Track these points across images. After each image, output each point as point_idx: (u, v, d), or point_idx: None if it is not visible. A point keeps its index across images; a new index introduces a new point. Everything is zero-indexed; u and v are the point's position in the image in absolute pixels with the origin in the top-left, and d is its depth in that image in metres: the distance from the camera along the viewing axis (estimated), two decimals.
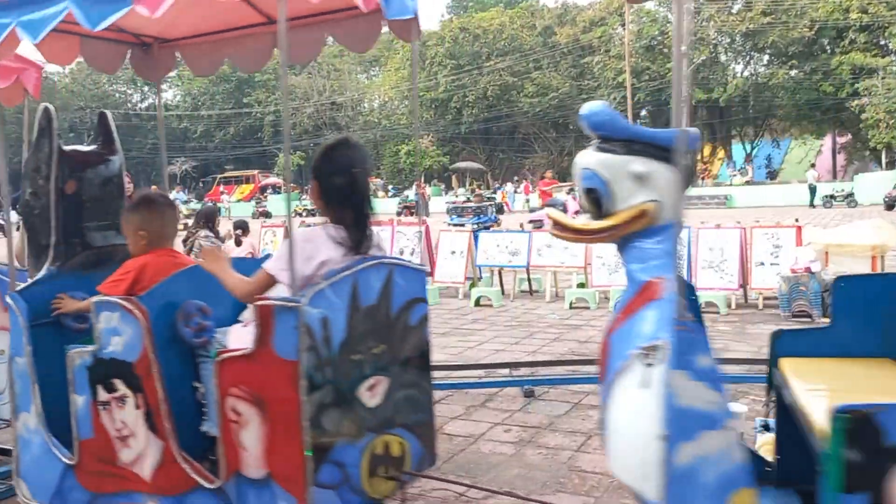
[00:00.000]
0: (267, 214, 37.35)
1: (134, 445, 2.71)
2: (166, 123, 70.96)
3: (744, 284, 8.17)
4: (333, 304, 2.45)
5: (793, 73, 41.46)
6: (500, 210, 30.15)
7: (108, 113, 3.54)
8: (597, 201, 2.13)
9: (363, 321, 2.58)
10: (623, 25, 45.39)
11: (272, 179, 58.43)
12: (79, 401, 2.80)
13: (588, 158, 2.14)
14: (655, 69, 45.96)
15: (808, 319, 7.14)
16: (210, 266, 2.68)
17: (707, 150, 52.28)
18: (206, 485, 2.54)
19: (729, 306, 7.91)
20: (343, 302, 2.49)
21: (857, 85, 36.21)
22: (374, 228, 2.75)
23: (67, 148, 3.26)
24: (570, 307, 8.34)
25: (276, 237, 11.59)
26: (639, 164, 2.08)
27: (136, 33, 3.59)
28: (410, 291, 2.81)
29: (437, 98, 54.93)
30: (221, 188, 54.65)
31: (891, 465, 1.65)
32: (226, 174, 62.90)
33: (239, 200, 49.35)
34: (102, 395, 2.75)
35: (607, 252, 8.60)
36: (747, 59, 47.63)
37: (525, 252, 9.16)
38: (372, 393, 2.64)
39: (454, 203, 25.69)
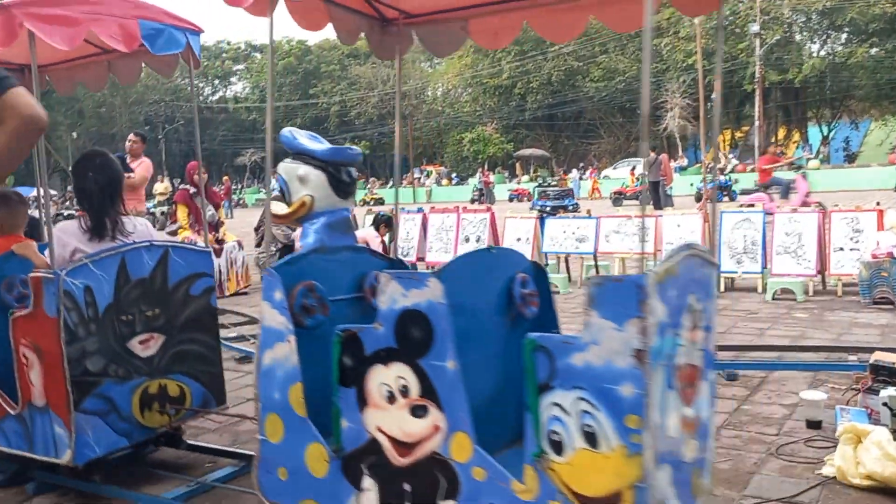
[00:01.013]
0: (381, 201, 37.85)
1: None
2: (236, 115, 73.05)
3: (822, 270, 7.90)
4: (98, 277, 3.22)
5: (873, 51, 39.63)
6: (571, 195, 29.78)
7: None
8: (283, 195, 3.05)
9: (133, 290, 3.37)
10: None
11: None
12: None
13: (279, 166, 3.08)
14: (727, 50, 44.56)
15: (890, 306, 6.85)
16: (23, 251, 3.52)
17: (781, 133, 50.60)
18: (11, 411, 3.34)
19: (806, 293, 7.65)
20: (110, 275, 3.26)
21: None
22: (139, 219, 3.59)
23: None
24: None
25: None
26: (301, 170, 2.99)
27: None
28: (191, 268, 3.56)
29: (501, 85, 54.60)
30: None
31: (368, 368, 2.34)
32: None
33: None
34: None
35: (678, 238, 8.43)
36: (824, 37, 45.73)
37: (592, 238, 9.04)
38: (145, 346, 3.43)
39: (539, 188, 25.80)
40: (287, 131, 3.12)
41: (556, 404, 2.04)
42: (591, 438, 1.99)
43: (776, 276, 7.81)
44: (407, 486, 2.31)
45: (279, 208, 3.04)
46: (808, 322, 6.48)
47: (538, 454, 2.05)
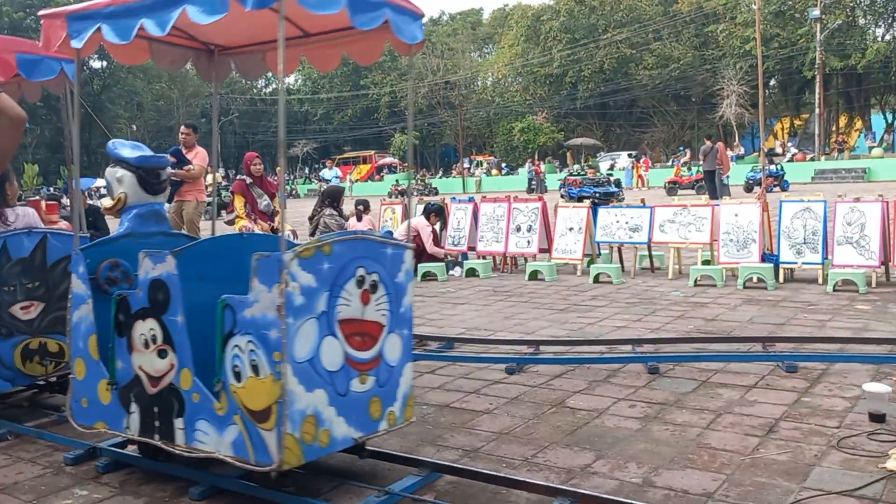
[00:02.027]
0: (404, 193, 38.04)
1: None
2: (289, 106, 73.84)
3: (885, 262, 7.67)
4: None
5: None
6: (618, 185, 29.51)
7: None
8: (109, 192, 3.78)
9: (15, 266, 4.25)
10: None
11: (388, 160, 59.52)
12: None
13: (106, 170, 3.80)
14: (786, 36, 43.37)
15: None
16: None
17: (843, 121, 49.05)
18: None
19: (869, 284, 7.44)
20: None
21: None
22: (23, 209, 4.51)
23: None
24: (695, 284, 8.09)
25: (395, 214, 11.85)
26: (118, 173, 3.70)
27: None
28: (67, 249, 4.12)
29: (552, 73, 54.08)
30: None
31: (133, 322, 3.20)
32: (344, 155, 64.55)
33: (356, 180, 50.54)
34: None
35: (735, 228, 8.27)
36: (889, 21, 44.07)
37: (646, 228, 8.93)
38: (25, 311, 4.31)
39: (567, 180, 25.70)
40: (111, 143, 3.85)
41: (237, 346, 2.88)
42: (255, 369, 2.83)
43: (837, 267, 7.61)
44: (156, 408, 3.19)
45: (107, 202, 3.81)
46: (870, 314, 6.31)
47: (226, 382, 2.91)
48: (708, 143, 21.61)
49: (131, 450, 3.52)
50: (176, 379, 3.09)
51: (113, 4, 3.24)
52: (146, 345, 3.18)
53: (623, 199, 19.42)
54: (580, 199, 15.02)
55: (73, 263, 3.46)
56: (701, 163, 22.96)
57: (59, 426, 4.11)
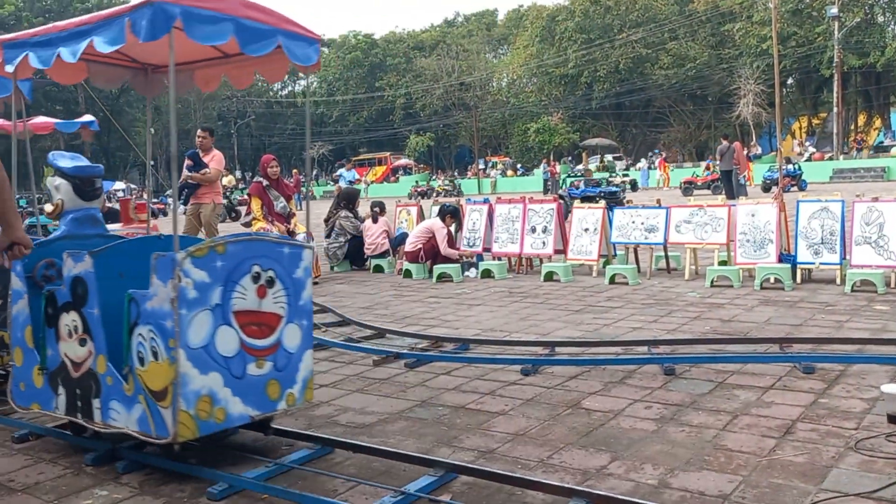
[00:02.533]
0: (425, 194, 38.19)
1: None
2: (304, 109, 74.25)
3: None
4: None
5: None
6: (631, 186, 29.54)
7: None
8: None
9: None
10: None
11: (403, 161, 59.61)
12: None
13: (47, 179, 4.19)
14: (803, 34, 43.00)
15: None
16: None
17: (861, 119, 48.56)
18: None
19: (888, 285, 7.37)
20: None
21: None
22: None
23: None
24: (712, 285, 8.05)
25: (411, 216, 11.88)
26: (56, 182, 4.13)
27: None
28: None
29: (567, 74, 53.96)
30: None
31: (60, 314, 3.64)
32: (360, 157, 64.71)
33: (372, 182, 50.66)
34: None
35: (752, 228, 8.22)
36: None
37: (662, 229, 8.90)
38: None
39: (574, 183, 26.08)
40: (52, 154, 4.23)
41: (140, 334, 3.31)
42: (155, 355, 3.25)
43: (855, 268, 7.55)
44: (78, 390, 3.61)
45: (48, 208, 4.27)
46: (889, 315, 6.25)
47: (132, 366, 3.34)
48: (725, 142, 21.50)
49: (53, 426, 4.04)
50: (93, 364, 3.54)
51: (37, 35, 3.88)
52: (70, 334, 3.64)
53: (625, 199, 19.39)
54: (583, 200, 15.12)
55: (14, 265, 3.80)
56: (717, 162, 22.85)
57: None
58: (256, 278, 3.48)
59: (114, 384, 3.44)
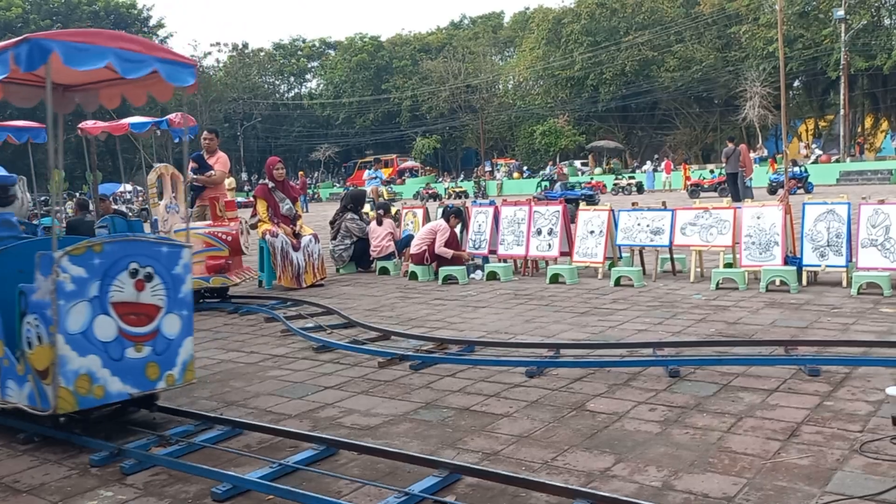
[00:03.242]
0: (436, 196, 38.18)
1: None
2: (310, 112, 74.39)
3: None
4: None
5: None
6: (641, 189, 29.61)
7: None
8: None
9: None
10: None
11: (409, 163, 59.64)
12: None
13: None
14: (810, 36, 42.88)
15: None
16: None
17: (868, 122, 48.37)
18: None
19: (894, 287, 7.34)
20: None
21: None
22: None
23: None
24: (717, 287, 8.04)
25: (417, 217, 11.89)
26: None
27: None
28: None
29: (573, 76, 53.88)
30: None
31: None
32: (366, 159, 64.73)
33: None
34: None
35: (757, 230, 8.21)
36: None
37: (668, 231, 8.89)
38: None
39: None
40: None
41: (28, 322, 3.81)
42: (39, 339, 3.75)
43: (861, 270, 7.53)
44: None
45: None
46: (895, 317, 6.23)
47: (23, 350, 3.84)
48: (730, 145, 21.46)
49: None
50: None
51: None
52: None
53: (599, 202, 19.97)
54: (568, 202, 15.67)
55: None
56: (723, 165, 22.82)
57: (86, 428, 4.19)
58: (134, 274, 4.01)
59: (10, 366, 3.96)
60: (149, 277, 4.06)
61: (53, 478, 3.54)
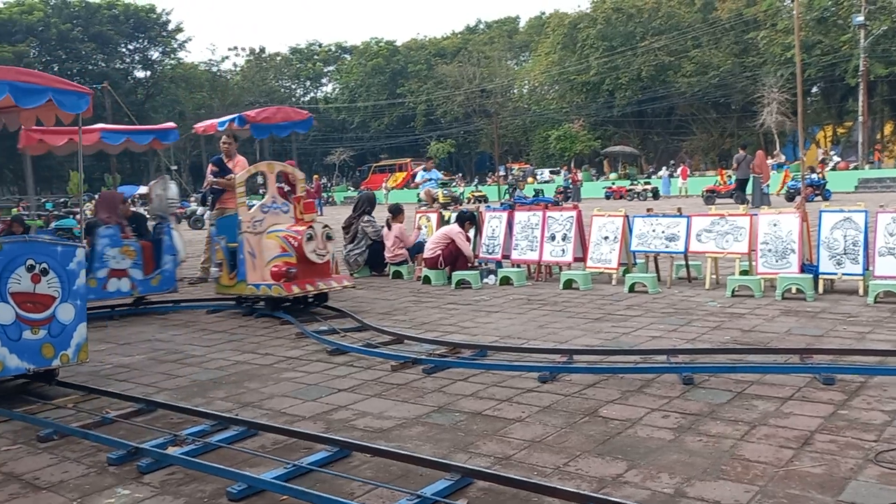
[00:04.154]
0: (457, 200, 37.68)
1: None
2: (326, 115, 74.57)
3: None
4: None
5: None
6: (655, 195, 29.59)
7: None
8: None
9: None
10: None
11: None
12: None
13: None
14: (828, 42, 42.58)
15: None
16: None
17: (888, 129, 47.93)
18: None
19: None
20: None
21: None
22: None
23: None
24: (732, 295, 8.01)
25: (430, 222, 11.91)
26: None
27: None
28: None
29: (589, 81, 53.82)
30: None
31: None
32: (380, 163, 64.88)
33: (392, 188, 50.84)
34: None
35: (774, 238, 8.17)
36: None
37: (683, 238, 8.86)
38: None
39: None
40: None
41: None
42: None
43: (878, 279, 7.47)
44: None
45: None
46: None
47: None
48: (742, 151, 21.41)
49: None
50: None
51: None
52: None
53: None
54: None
55: None
56: (734, 171, 22.76)
57: (103, 427, 4.25)
58: (31, 269, 4.84)
59: None
60: (44, 272, 4.92)
61: (72, 475, 3.59)
